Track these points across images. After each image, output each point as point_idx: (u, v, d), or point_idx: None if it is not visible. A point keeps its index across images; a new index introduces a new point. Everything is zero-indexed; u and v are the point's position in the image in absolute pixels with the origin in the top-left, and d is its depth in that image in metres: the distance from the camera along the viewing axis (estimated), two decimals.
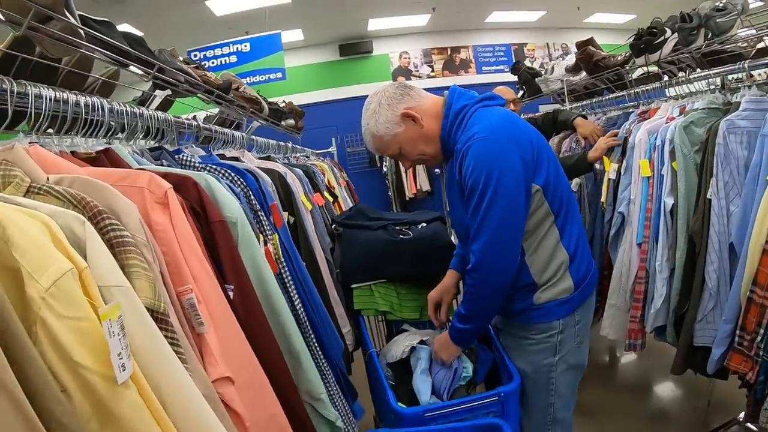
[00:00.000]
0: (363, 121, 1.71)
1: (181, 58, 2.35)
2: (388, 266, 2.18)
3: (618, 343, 3.17)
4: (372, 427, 2.16)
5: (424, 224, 2.37)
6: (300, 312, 1.60)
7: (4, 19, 1.10)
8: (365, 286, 2.18)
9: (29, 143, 1.09)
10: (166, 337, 0.81)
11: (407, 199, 7.93)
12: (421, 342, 1.93)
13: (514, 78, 4.53)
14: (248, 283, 1.27)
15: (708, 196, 2.03)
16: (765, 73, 2.22)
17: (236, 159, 2.22)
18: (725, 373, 2.02)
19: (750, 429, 2.44)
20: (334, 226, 2.50)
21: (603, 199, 2.67)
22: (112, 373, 0.66)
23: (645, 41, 2.55)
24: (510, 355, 1.77)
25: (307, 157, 4.58)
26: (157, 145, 1.73)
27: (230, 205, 1.31)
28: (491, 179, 1.49)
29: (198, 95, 2.39)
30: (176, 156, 1.63)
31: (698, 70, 2.53)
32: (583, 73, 3.48)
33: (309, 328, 1.63)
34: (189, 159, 1.63)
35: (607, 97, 3.34)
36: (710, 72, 2.32)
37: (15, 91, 1.06)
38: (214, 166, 1.59)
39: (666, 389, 3.12)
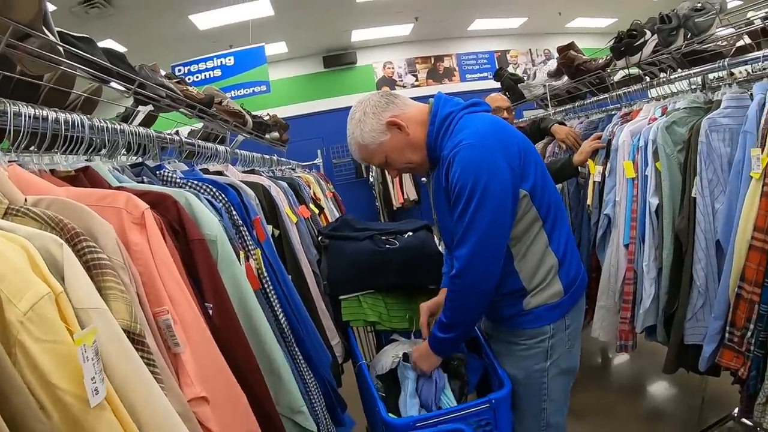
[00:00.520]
0: (348, 131, 1.70)
1: (163, 73, 2.33)
2: (376, 277, 2.16)
3: (609, 344, 3.17)
4: None
5: (411, 233, 2.35)
6: (285, 327, 1.58)
7: None
8: (353, 297, 2.15)
9: (8, 162, 1.08)
10: (142, 357, 0.81)
11: (394, 208, 7.94)
12: (406, 358, 1.91)
13: (497, 85, 4.56)
14: (227, 301, 1.26)
15: (693, 195, 2.04)
16: (745, 70, 2.24)
17: (220, 173, 2.21)
18: (717, 369, 2.02)
19: (745, 424, 2.44)
20: (320, 237, 2.48)
21: (589, 201, 2.68)
22: (87, 396, 0.67)
23: (625, 44, 2.57)
24: (501, 361, 1.76)
25: (292, 169, 4.56)
26: (139, 161, 1.72)
27: (210, 222, 1.30)
28: (478, 185, 1.48)
29: (180, 110, 2.37)
30: (158, 172, 1.62)
31: (679, 70, 2.55)
32: (566, 78, 3.51)
33: (293, 342, 1.62)
34: (170, 175, 1.61)
35: (589, 101, 3.37)
36: (691, 72, 2.34)
37: None
38: (195, 182, 1.57)
39: (659, 388, 3.12)
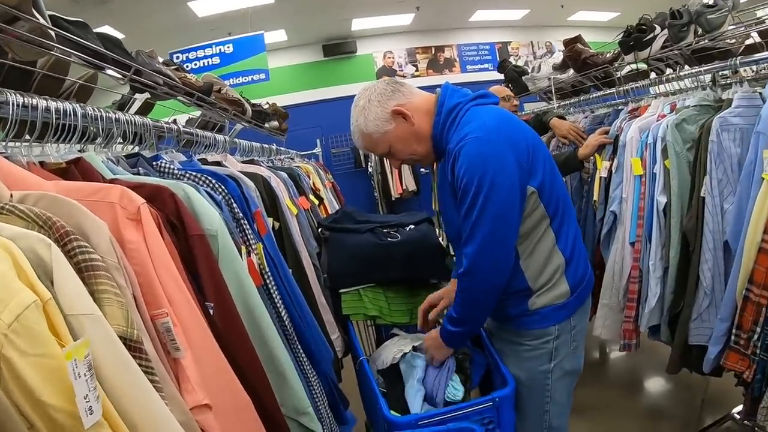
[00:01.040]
0: (352, 119, 1.65)
1: (160, 60, 2.27)
2: (377, 270, 2.13)
3: (609, 341, 3.15)
4: None
5: (412, 226, 2.32)
6: (287, 324, 1.54)
7: None
8: (353, 291, 2.12)
9: None
10: (140, 366, 0.76)
11: (393, 199, 7.89)
12: (414, 349, 1.88)
13: (499, 76, 4.51)
14: (229, 298, 1.21)
15: (702, 194, 2.01)
16: (751, 69, 2.20)
17: (218, 164, 2.16)
18: (720, 370, 2.00)
19: (744, 425, 2.43)
20: (320, 230, 2.44)
21: (595, 197, 2.65)
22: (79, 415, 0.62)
23: (634, 38, 2.52)
24: (504, 361, 1.73)
25: (291, 159, 4.52)
26: (135, 150, 1.66)
27: (210, 216, 1.25)
28: (484, 181, 1.43)
29: (178, 98, 2.31)
30: (154, 163, 1.56)
31: (687, 66, 2.51)
32: (571, 71, 3.46)
33: (296, 340, 1.58)
34: (167, 166, 1.55)
35: (594, 95, 3.32)
36: (701, 69, 2.29)
37: None
38: (193, 173, 1.52)
39: (659, 386, 3.12)
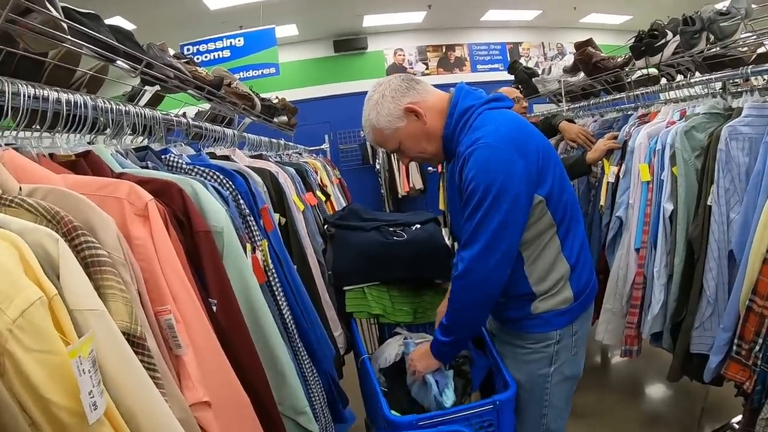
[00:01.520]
0: (364, 112, 1.64)
1: (171, 52, 2.28)
2: (382, 269, 2.13)
3: (611, 346, 3.15)
4: None
5: (418, 226, 2.32)
6: (289, 321, 1.55)
7: None
8: (358, 289, 2.13)
9: (4, 145, 1.04)
10: (142, 362, 0.76)
11: (399, 197, 7.90)
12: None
13: (509, 77, 4.49)
14: (232, 296, 1.22)
15: (708, 203, 2.00)
16: (763, 78, 2.19)
17: (227, 158, 2.17)
18: (721, 380, 1.99)
19: None
20: (326, 226, 2.45)
21: (602, 202, 2.64)
22: (84, 411, 0.62)
23: (646, 43, 2.51)
24: (504, 363, 1.73)
25: (299, 154, 4.52)
26: (144, 143, 1.67)
27: (216, 213, 1.26)
28: (491, 189, 1.42)
29: (188, 91, 2.32)
30: (163, 157, 1.57)
31: (698, 73, 2.49)
32: (581, 74, 3.44)
33: (298, 337, 1.59)
34: (176, 160, 1.56)
35: (603, 99, 3.31)
36: (712, 76, 2.28)
37: None
38: (202, 168, 1.53)
39: (659, 392, 3.11)
